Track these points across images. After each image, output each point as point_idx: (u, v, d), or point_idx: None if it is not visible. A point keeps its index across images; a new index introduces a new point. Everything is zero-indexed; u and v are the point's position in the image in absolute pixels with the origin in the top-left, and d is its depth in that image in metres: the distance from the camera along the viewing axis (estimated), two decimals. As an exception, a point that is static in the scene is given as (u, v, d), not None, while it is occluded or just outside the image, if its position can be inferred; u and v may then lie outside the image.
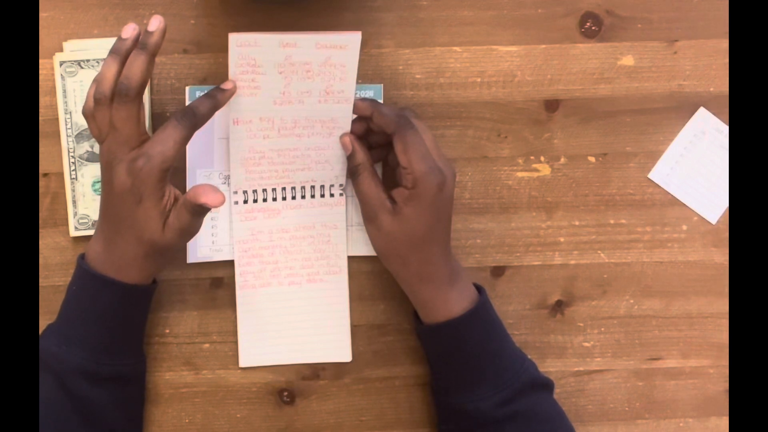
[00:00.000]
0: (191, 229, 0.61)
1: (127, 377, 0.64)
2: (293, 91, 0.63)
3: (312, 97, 0.63)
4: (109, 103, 0.58)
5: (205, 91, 0.67)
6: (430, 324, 0.64)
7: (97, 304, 0.61)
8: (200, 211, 0.60)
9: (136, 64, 0.57)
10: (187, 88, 0.67)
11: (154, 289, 0.65)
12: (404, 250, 0.63)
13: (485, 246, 0.70)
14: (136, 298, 0.63)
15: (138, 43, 0.58)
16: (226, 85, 0.62)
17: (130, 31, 0.59)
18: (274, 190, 0.67)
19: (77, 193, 0.67)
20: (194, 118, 0.59)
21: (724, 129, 0.70)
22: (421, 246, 0.62)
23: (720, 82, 0.70)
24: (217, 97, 0.61)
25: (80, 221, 0.67)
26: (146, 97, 0.66)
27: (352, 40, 0.62)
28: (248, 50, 0.60)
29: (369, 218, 0.64)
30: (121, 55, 0.58)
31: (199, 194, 0.58)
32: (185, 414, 0.69)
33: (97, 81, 0.58)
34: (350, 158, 0.65)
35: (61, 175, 0.67)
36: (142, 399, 0.68)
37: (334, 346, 0.70)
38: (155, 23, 0.58)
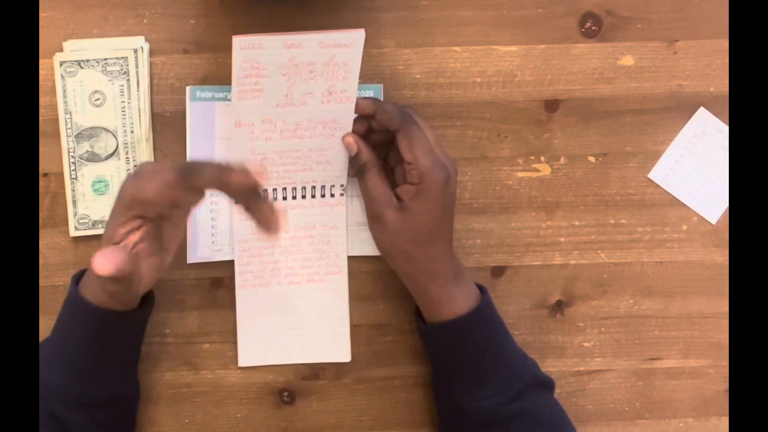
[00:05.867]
0: (129, 278, 0.56)
1: (111, 404, 0.62)
2: (296, 93, 0.63)
3: (314, 98, 0.63)
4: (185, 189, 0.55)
5: (208, 91, 0.67)
6: (435, 323, 0.64)
7: (76, 327, 0.60)
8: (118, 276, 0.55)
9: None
10: (187, 88, 0.67)
11: (142, 315, 0.63)
12: (411, 246, 0.62)
13: (485, 246, 0.70)
14: (114, 324, 0.60)
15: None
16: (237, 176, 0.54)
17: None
18: (275, 190, 0.67)
19: (77, 193, 0.67)
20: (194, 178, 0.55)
21: (724, 129, 0.70)
22: (427, 242, 0.62)
23: (720, 82, 0.70)
24: (223, 178, 0.54)
25: (80, 221, 0.67)
26: (146, 96, 0.66)
27: (356, 37, 0.61)
28: (252, 53, 0.60)
29: (375, 216, 0.64)
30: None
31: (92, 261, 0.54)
32: (185, 414, 0.69)
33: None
34: (356, 157, 0.65)
35: (61, 175, 0.67)
36: (131, 425, 0.66)
37: (334, 346, 0.70)
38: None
